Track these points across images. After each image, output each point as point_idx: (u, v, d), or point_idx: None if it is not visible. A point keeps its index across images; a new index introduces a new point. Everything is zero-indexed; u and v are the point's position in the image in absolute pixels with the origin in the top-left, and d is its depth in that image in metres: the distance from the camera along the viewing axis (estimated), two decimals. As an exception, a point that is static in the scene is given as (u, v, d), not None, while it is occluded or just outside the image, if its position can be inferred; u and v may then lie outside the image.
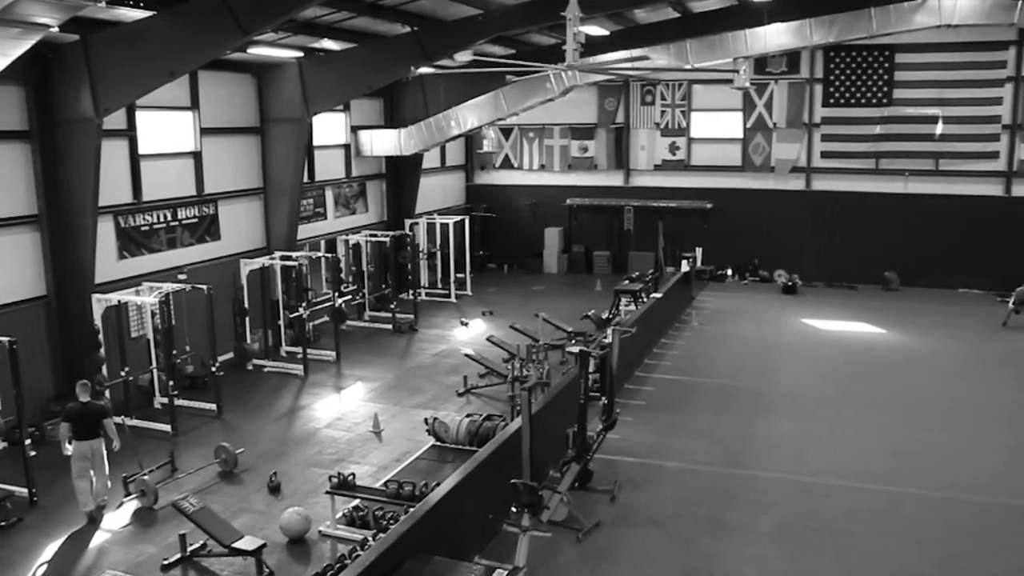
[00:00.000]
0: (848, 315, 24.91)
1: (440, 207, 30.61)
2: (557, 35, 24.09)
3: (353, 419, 16.60)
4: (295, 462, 14.50)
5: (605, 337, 15.43)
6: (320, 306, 22.84)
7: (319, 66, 21.21)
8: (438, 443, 14.87)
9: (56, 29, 12.04)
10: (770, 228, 29.76)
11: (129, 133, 17.86)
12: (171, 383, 15.94)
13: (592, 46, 20.44)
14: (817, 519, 12.14)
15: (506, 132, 32.33)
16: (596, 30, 22.37)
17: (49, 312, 16.21)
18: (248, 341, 20.38)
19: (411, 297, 25.22)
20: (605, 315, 22.54)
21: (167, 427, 15.68)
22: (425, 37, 20.60)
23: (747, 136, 29.92)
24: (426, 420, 15.24)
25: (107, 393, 15.59)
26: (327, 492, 11.77)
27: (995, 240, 27.48)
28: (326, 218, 24.92)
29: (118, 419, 13.73)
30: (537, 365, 17.85)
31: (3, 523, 12.17)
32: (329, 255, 22.55)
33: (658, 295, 22.68)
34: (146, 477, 13.01)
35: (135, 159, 18.04)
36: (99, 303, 16.15)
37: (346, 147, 25.91)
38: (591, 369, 13.71)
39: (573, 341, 19.07)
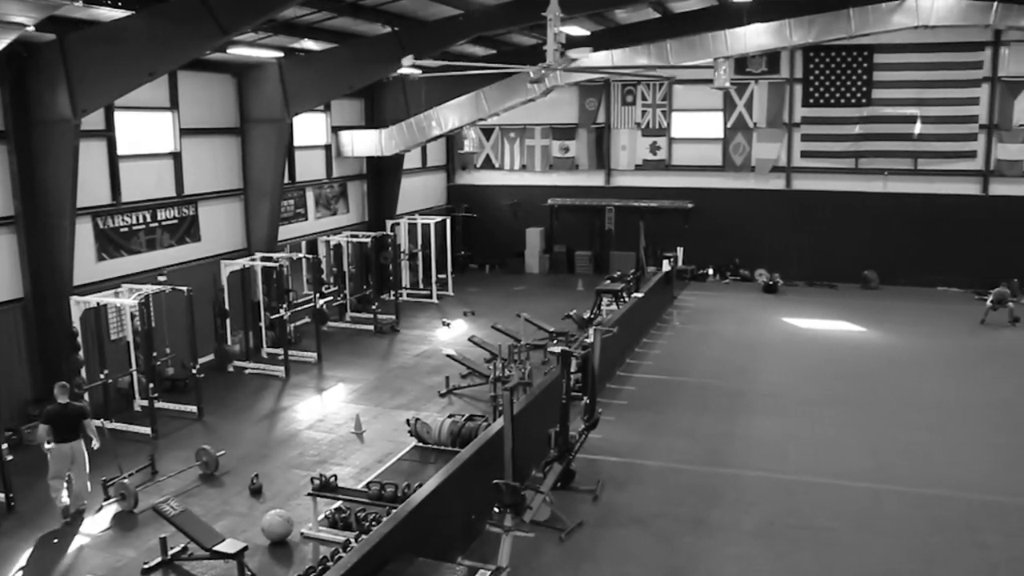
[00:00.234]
0: (828, 314, 25.07)
1: (421, 207, 30.57)
2: (538, 35, 24.09)
3: (335, 420, 16.54)
4: (277, 464, 14.44)
5: (587, 337, 15.45)
6: (301, 307, 22.74)
7: (299, 66, 21.12)
8: (420, 444, 14.83)
9: (32, 28, 11.95)
10: (751, 227, 29.91)
11: (107, 134, 17.71)
12: (151, 385, 15.83)
13: (573, 46, 20.44)
14: (799, 517, 12.19)
15: (487, 132, 32.33)
16: (577, 30, 22.39)
17: (26, 315, 16.01)
18: (229, 343, 20.26)
19: (393, 298, 25.16)
20: (587, 315, 22.57)
21: (147, 430, 15.56)
22: (406, 37, 20.54)
23: (727, 136, 30.05)
24: (408, 421, 15.19)
25: (86, 396, 15.44)
26: (309, 494, 11.70)
27: (973, 238, 27.74)
28: (307, 219, 24.81)
29: (97, 422, 13.62)
30: (519, 365, 17.86)
31: (-20, 528, 12.07)
32: (310, 256, 22.50)
33: (639, 295, 22.70)
34: (126, 480, 12.90)
35: (114, 160, 17.88)
36: (78, 305, 16.00)
37: (327, 148, 25.83)
38: (573, 369, 13.73)
39: (555, 341, 19.09)
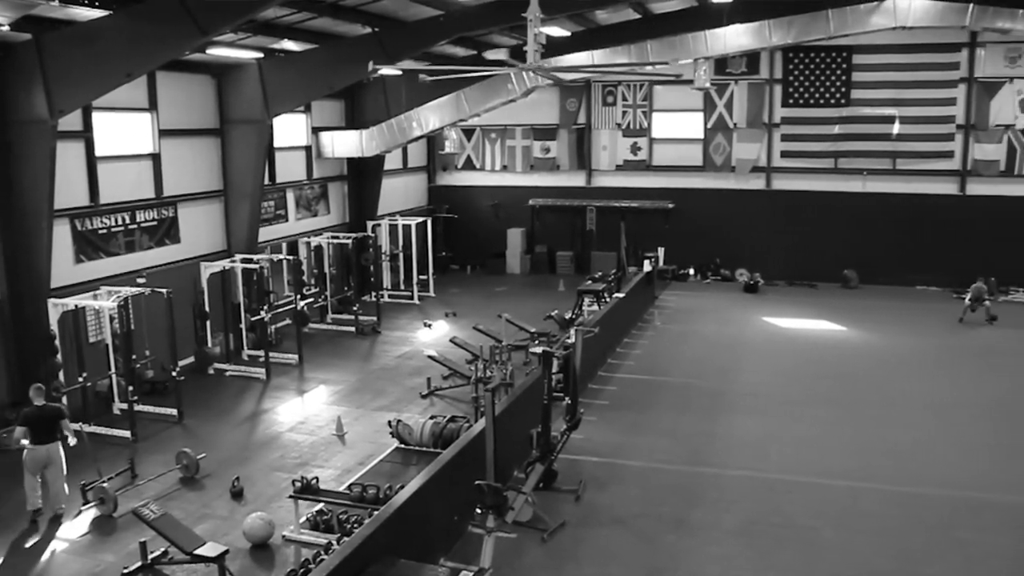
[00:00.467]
0: (809, 313, 25.22)
1: (402, 208, 30.52)
2: (518, 36, 24.13)
3: (316, 422, 16.47)
4: (258, 467, 14.36)
5: (568, 337, 15.47)
6: (282, 309, 22.64)
7: (279, 67, 21.02)
8: (402, 446, 14.81)
9: (7, 28, 11.85)
10: (731, 227, 30.04)
11: (85, 134, 17.56)
12: (131, 388, 15.72)
13: (553, 47, 20.50)
14: (780, 515, 12.25)
15: (468, 133, 32.31)
16: (557, 31, 22.42)
17: (3, 318, 15.85)
18: (209, 345, 20.14)
19: (374, 299, 25.09)
20: (568, 315, 22.60)
21: (127, 433, 15.44)
22: (386, 38, 20.51)
23: (708, 136, 30.18)
24: (390, 423, 15.16)
25: (64, 399, 15.30)
26: (290, 496, 11.65)
27: (950, 238, 27.98)
28: (287, 220, 24.71)
29: (75, 425, 13.50)
30: (500, 366, 17.86)
31: (-43, 533, 11.95)
32: (291, 257, 22.39)
33: (621, 295, 22.78)
34: (105, 484, 12.79)
35: (92, 161, 17.73)
36: (55, 308, 15.87)
37: (307, 149, 25.73)
38: (554, 369, 13.72)
39: (536, 342, 19.08)
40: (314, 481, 11.89)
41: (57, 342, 15.87)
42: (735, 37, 23.08)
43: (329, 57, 21.01)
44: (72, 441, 12.54)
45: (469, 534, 10.83)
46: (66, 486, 12.57)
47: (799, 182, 29.45)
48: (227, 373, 19.65)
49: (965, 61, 27.57)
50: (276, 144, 23.60)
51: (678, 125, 30.53)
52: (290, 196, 24.81)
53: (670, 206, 30.45)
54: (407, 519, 9.91)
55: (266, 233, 23.14)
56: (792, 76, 28.97)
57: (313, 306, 24.20)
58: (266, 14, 17.82)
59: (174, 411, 16.53)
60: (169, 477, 13.78)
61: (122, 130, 18.73)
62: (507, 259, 32.41)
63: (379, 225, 27.84)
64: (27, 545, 11.78)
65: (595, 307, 22.69)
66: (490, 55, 26.69)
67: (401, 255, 28.81)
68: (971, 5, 21.95)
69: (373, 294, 25.41)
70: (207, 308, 20.11)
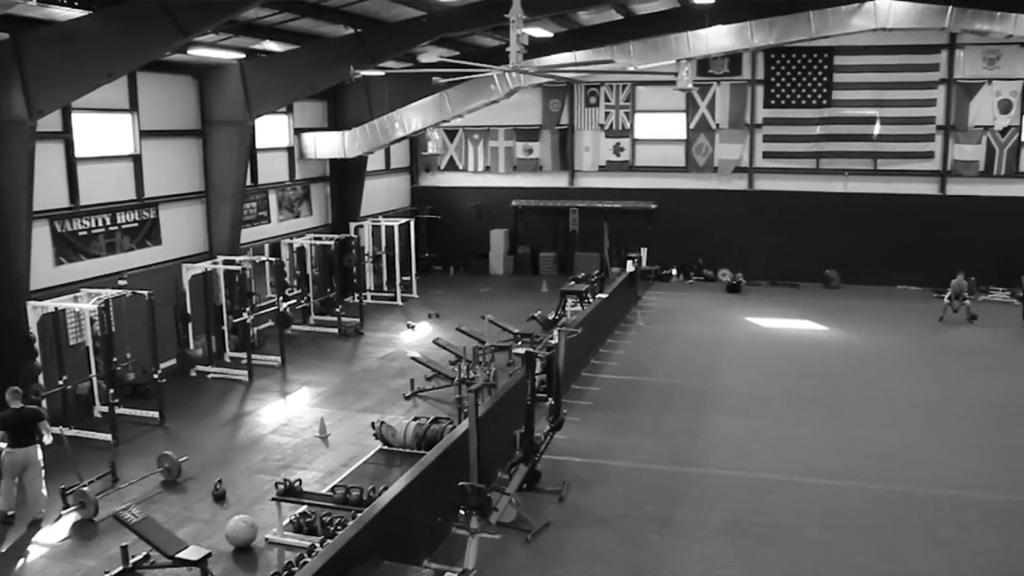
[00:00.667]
0: (791, 313, 25.33)
1: (385, 210, 30.44)
2: (501, 37, 24.10)
3: (299, 424, 16.41)
4: (240, 469, 14.28)
5: (551, 338, 15.45)
6: (264, 311, 22.54)
7: (261, 68, 20.93)
8: (385, 447, 14.73)
9: (-16, 28, 11.75)
10: (714, 228, 30.13)
11: (65, 135, 17.40)
12: (112, 391, 15.58)
13: (536, 48, 20.49)
14: (764, 514, 12.29)
15: (451, 134, 32.23)
16: (540, 32, 22.43)
17: (-19, 321, 15.73)
18: (191, 347, 20.02)
19: (356, 301, 24.98)
20: (551, 316, 22.57)
21: (108, 436, 15.32)
22: (369, 39, 20.47)
23: (690, 137, 30.26)
24: (373, 424, 15.09)
25: (44, 403, 15.16)
26: (273, 499, 11.56)
27: (931, 237, 28.17)
28: (270, 222, 24.61)
29: (56, 429, 13.40)
30: (484, 367, 17.81)
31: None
32: (273, 259, 22.29)
33: (604, 295, 22.79)
34: (85, 488, 12.68)
35: (71, 162, 17.57)
36: (35, 310, 15.71)
37: (289, 150, 25.63)
38: (538, 370, 13.72)
39: (519, 342, 19.04)
40: (297, 483, 11.81)
41: (36, 345, 15.71)
42: (717, 38, 23.17)
43: (311, 58, 20.96)
44: (48, 439, 12.44)
45: (453, 535, 10.80)
46: (45, 490, 12.47)
47: (781, 183, 29.58)
48: (209, 375, 19.54)
49: (945, 63, 27.79)
50: (258, 145, 23.48)
51: (660, 126, 30.61)
52: (272, 197, 24.71)
53: (653, 207, 30.52)
54: (391, 521, 9.88)
55: (248, 234, 23.01)
56: (774, 77, 29.10)
57: (296, 308, 24.11)
58: (248, 15, 17.76)
59: (155, 414, 16.42)
60: (151, 480, 13.69)
61: (102, 131, 18.59)
62: (490, 260, 32.37)
63: (362, 226, 27.76)
64: (2, 550, 11.67)
65: (578, 308, 22.70)
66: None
67: (384, 256, 28.72)
68: (950, 7, 22.12)
69: (356, 295, 25.30)
70: (189, 310, 19.98)
